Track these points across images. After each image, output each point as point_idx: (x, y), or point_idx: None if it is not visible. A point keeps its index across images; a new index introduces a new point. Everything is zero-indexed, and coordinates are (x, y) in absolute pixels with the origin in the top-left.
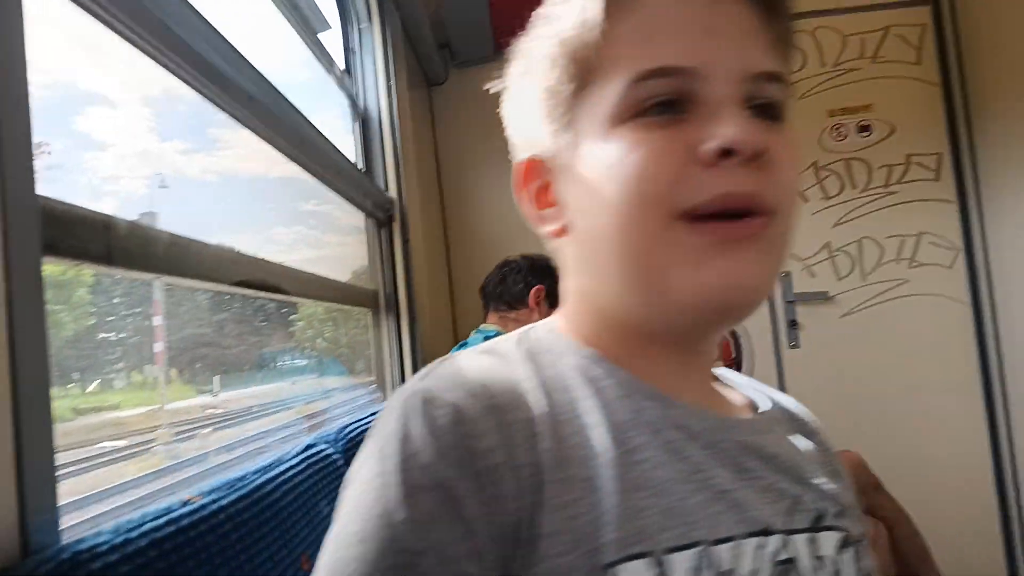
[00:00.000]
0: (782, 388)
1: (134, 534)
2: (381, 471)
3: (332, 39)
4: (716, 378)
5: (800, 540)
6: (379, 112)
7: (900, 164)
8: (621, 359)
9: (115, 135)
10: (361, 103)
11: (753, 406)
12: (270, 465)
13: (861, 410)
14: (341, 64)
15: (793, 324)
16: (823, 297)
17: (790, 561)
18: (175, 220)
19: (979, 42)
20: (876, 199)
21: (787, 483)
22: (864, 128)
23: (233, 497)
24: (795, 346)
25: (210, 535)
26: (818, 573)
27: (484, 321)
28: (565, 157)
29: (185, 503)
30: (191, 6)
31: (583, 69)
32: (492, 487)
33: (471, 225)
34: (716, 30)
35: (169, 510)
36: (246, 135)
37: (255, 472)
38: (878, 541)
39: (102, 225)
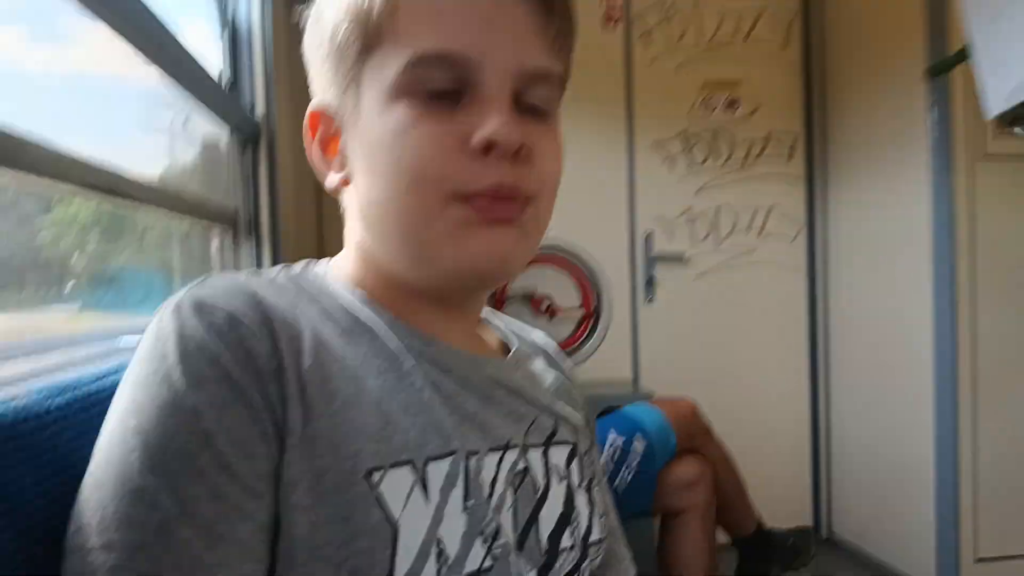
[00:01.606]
0: (635, 339)
1: None
2: (160, 367)
3: None
4: (481, 322)
5: (535, 453)
6: (250, 26)
7: (760, 140)
8: (387, 303)
9: None
10: (230, 14)
11: (507, 347)
12: (109, 371)
13: (704, 363)
14: None
15: (650, 281)
16: (680, 258)
17: (525, 470)
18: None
19: (841, 35)
20: (735, 171)
21: (527, 408)
22: (732, 103)
23: (64, 399)
24: (651, 301)
25: (39, 434)
26: (550, 478)
27: None
28: (349, 115)
29: (12, 399)
30: None
31: (368, 34)
32: (267, 385)
33: None
34: (496, 24)
35: None
36: (102, 31)
37: (90, 378)
38: (704, 479)
39: None
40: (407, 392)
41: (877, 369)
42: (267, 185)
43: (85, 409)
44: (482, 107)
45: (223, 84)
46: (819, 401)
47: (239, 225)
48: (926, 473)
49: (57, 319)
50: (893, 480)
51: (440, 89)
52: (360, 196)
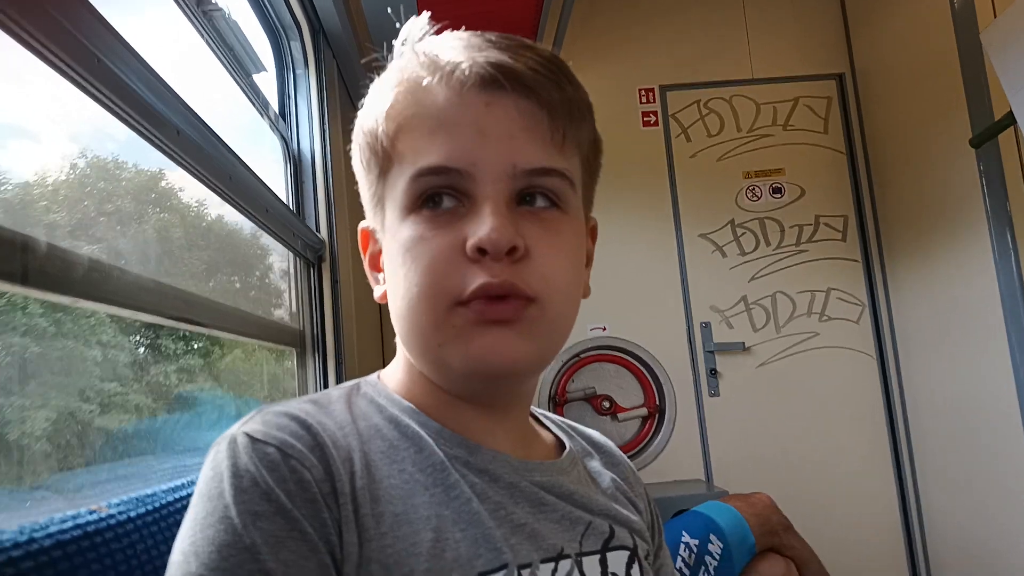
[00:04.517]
0: (703, 435)
1: (39, 534)
2: (217, 506)
3: (267, 82)
4: (537, 419)
5: (591, 561)
6: (312, 155)
7: (810, 224)
8: (433, 411)
9: (37, 170)
10: (295, 145)
11: (561, 446)
12: (181, 485)
13: (776, 454)
14: (276, 107)
15: (713, 373)
16: (740, 347)
17: None
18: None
19: (878, 115)
20: (788, 256)
21: (581, 512)
22: (776, 190)
23: (142, 510)
24: (715, 394)
25: (116, 543)
26: None
27: None
28: (380, 231)
29: (92, 511)
30: (123, 40)
31: (380, 158)
32: (322, 512)
33: None
34: (488, 131)
35: (76, 516)
36: (178, 174)
37: (165, 491)
38: None
39: (20, 245)
40: (455, 504)
41: (964, 446)
42: (331, 303)
43: (160, 520)
44: (477, 213)
45: (289, 209)
46: (906, 486)
47: (305, 344)
48: None
49: None
50: (996, 563)
51: (441, 201)
52: (391, 308)
